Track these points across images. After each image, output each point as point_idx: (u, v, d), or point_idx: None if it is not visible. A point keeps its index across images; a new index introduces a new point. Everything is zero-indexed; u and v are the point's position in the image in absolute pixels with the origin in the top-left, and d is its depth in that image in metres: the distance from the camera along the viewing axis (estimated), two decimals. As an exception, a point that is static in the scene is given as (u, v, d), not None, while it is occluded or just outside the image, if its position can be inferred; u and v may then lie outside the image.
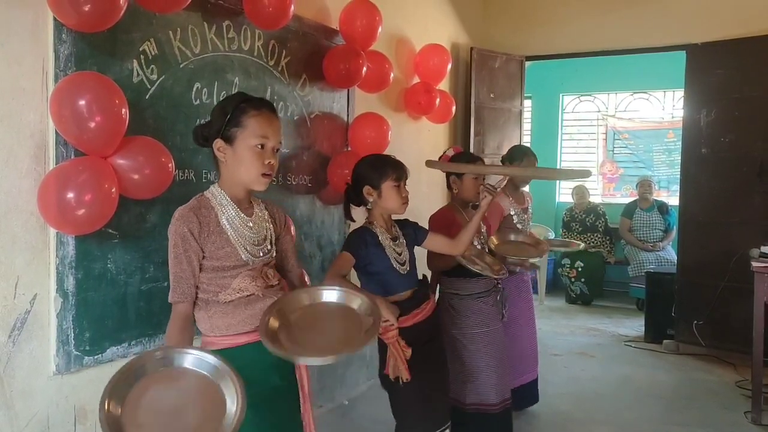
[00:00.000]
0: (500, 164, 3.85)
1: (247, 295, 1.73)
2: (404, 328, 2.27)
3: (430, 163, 2.85)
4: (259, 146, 1.70)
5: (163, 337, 2.43)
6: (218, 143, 1.71)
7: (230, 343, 1.69)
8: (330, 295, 1.79)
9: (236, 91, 2.67)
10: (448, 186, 3.07)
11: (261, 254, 1.77)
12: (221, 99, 1.80)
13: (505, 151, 3.87)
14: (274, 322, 1.63)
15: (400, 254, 2.37)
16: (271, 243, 1.83)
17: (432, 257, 2.83)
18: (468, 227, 2.47)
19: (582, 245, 4.30)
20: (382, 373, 2.36)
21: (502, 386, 2.96)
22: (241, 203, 1.78)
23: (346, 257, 2.28)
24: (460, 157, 2.95)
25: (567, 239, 6.16)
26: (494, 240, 3.10)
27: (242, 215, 1.75)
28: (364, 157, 2.51)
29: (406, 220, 2.51)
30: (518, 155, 3.62)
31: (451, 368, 2.93)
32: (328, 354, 1.57)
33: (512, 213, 3.56)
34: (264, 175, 1.72)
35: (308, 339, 1.64)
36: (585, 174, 2.65)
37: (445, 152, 3.03)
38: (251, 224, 1.77)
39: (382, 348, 2.33)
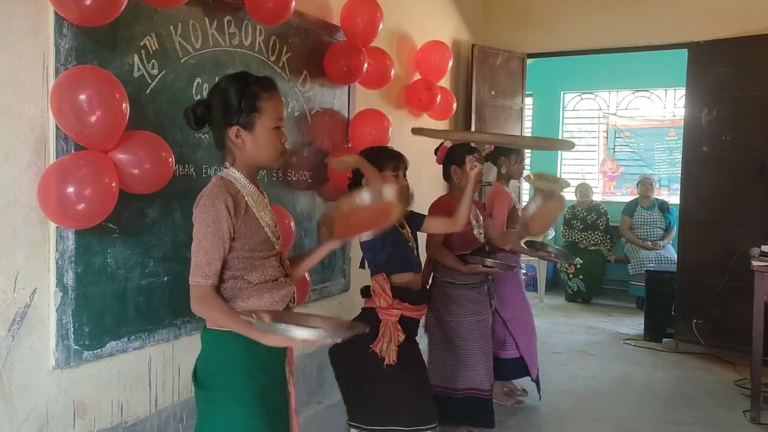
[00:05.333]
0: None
1: (273, 280, 1.71)
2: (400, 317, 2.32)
3: (416, 130, 2.71)
4: (277, 128, 1.71)
5: (162, 332, 2.44)
6: (235, 131, 1.66)
7: None
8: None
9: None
10: (446, 177, 3.06)
11: (277, 238, 1.76)
12: (221, 80, 1.73)
13: None
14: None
15: (408, 241, 2.42)
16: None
17: (434, 248, 2.90)
18: (462, 201, 2.47)
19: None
20: (367, 362, 2.30)
21: (490, 373, 3.04)
22: (255, 186, 1.75)
23: None
24: (458, 148, 2.93)
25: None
26: (531, 177, 3.19)
27: (261, 198, 1.74)
28: (363, 149, 2.51)
29: None
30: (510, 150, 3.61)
31: (442, 356, 2.96)
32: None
33: (516, 207, 3.59)
34: (281, 153, 1.74)
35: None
36: (569, 144, 2.66)
37: (442, 143, 3.03)
38: (268, 207, 1.76)
39: (375, 330, 2.29)
